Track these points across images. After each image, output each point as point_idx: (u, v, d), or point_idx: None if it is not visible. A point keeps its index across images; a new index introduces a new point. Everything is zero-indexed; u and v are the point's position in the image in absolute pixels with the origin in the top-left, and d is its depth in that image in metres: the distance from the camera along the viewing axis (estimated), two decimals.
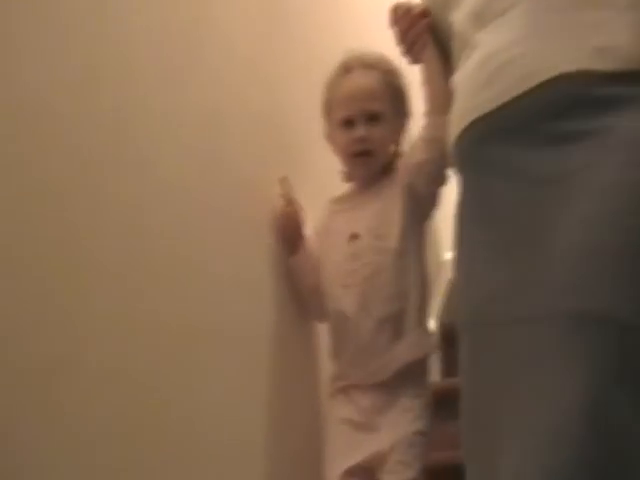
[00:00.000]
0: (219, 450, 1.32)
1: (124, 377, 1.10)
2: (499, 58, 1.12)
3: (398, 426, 1.49)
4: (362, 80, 1.61)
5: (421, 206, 1.60)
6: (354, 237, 1.59)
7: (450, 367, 2.12)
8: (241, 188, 1.54)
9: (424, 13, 1.43)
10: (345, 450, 1.53)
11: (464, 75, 1.20)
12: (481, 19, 1.19)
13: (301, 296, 1.67)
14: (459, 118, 1.17)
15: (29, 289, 0.95)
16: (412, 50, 1.46)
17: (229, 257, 1.44)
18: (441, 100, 1.38)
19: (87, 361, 1.03)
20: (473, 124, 1.13)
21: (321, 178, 1.81)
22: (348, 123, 1.60)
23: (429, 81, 1.48)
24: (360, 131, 1.58)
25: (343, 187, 1.71)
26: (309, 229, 1.69)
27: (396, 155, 1.65)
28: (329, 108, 1.65)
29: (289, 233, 1.64)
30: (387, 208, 1.59)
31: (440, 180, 1.56)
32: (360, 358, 1.55)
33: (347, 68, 1.64)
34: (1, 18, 0.95)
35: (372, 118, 1.59)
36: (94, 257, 1.07)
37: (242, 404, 1.42)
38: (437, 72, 1.44)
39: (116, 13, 1.18)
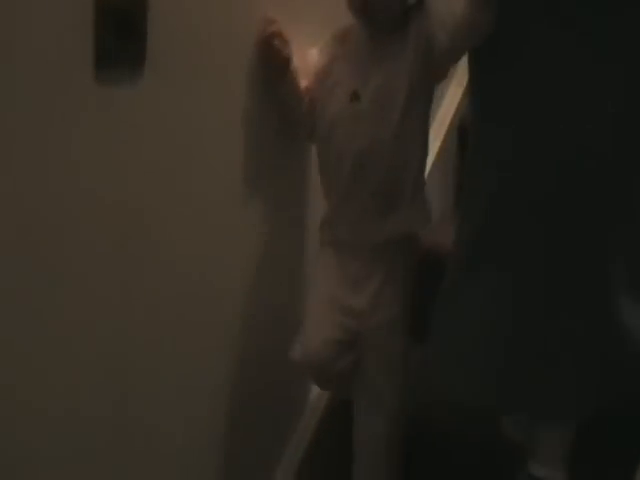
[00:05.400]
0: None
1: None
2: None
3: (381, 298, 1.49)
4: None
5: (435, 64, 1.42)
6: (355, 97, 1.43)
7: None
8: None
9: None
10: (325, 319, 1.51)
11: None
12: None
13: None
14: None
15: None
16: None
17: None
18: None
19: None
20: None
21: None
22: None
23: None
24: None
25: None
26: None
27: (410, 9, 1.43)
28: None
29: (275, 59, 1.43)
30: (393, 72, 1.42)
31: (469, 38, 1.36)
32: (350, 220, 1.50)
33: None
34: None
35: None
36: None
37: None
38: None
39: None
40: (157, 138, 1.17)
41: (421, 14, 1.42)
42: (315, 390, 1.76)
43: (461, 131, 2.21)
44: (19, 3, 0.89)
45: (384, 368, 1.52)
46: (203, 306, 1.35)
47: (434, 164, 2.11)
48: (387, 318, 1.50)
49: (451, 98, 2.21)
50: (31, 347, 0.97)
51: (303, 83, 1.48)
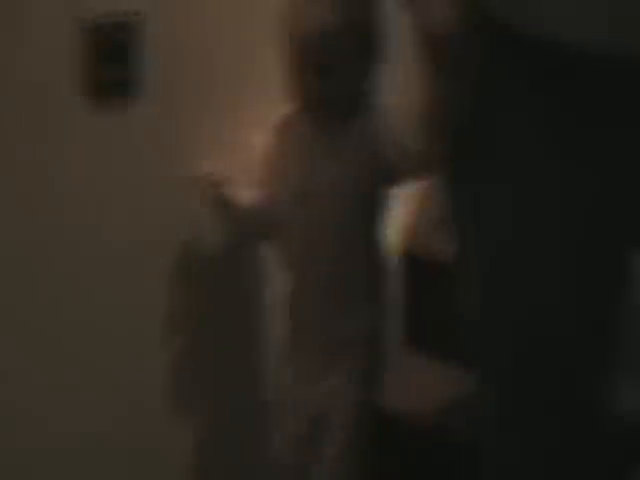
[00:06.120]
0: None
1: None
2: None
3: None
4: (317, 19, 1.28)
5: (388, 177, 1.36)
6: (299, 199, 1.36)
7: None
8: None
9: None
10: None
11: None
12: None
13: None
14: None
15: None
16: None
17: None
18: None
19: None
20: None
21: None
22: (301, 67, 1.31)
23: None
24: (312, 84, 1.30)
25: None
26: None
27: (365, 96, 1.36)
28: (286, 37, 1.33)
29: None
30: (338, 172, 1.34)
31: (421, 170, 1.31)
32: (302, 318, 1.43)
33: None
34: None
35: (327, 69, 1.30)
36: None
37: None
38: None
39: None
40: (149, 169, 1.19)
41: (372, 118, 1.36)
42: None
43: None
44: (10, 35, 0.90)
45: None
46: None
47: None
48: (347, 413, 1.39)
49: None
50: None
51: (252, 198, 1.41)
